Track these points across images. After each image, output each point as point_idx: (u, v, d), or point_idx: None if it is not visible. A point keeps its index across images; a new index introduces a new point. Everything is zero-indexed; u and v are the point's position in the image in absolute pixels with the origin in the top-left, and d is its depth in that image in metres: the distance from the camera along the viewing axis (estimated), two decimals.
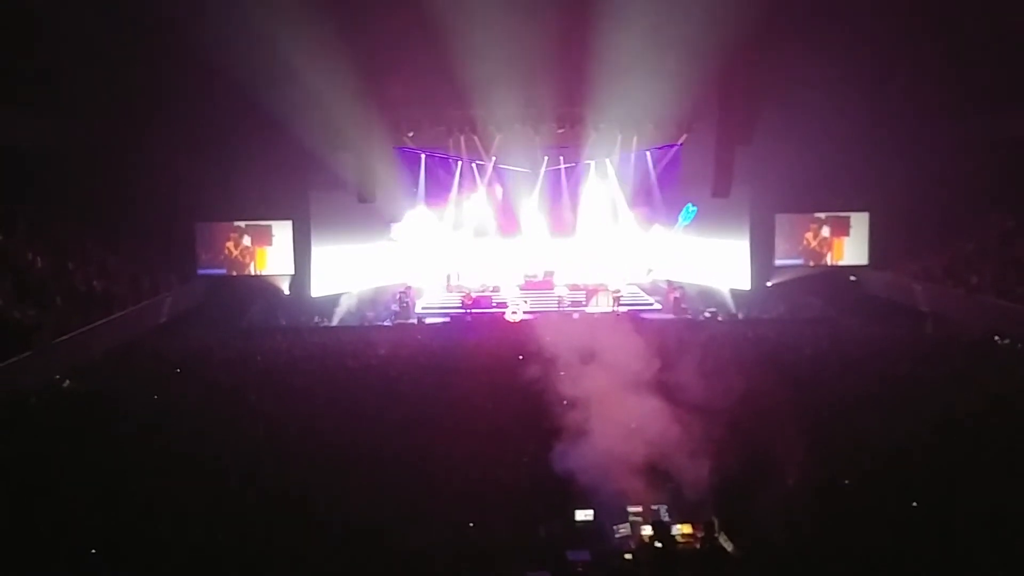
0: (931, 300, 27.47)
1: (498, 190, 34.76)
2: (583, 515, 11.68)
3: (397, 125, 31.58)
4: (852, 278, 32.28)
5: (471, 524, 11.47)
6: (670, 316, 30.33)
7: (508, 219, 34.85)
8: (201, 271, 31.31)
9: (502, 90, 28.38)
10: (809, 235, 32.48)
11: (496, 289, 32.66)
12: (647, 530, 11.30)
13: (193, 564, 10.30)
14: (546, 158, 34.25)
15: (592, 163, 34.34)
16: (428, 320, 30.57)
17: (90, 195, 27.16)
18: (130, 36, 25.13)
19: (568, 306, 31.06)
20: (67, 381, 19.46)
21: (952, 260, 27.83)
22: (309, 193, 31.11)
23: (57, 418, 16.56)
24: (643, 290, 33.87)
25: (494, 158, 33.72)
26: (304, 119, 27.24)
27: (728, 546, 10.89)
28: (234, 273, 31.69)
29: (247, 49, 24.46)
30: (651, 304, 32.23)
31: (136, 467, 13.29)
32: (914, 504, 11.65)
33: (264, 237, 31.67)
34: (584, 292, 31.78)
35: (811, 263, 32.55)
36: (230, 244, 31.52)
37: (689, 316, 30.47)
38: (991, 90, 26.32)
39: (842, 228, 32.35)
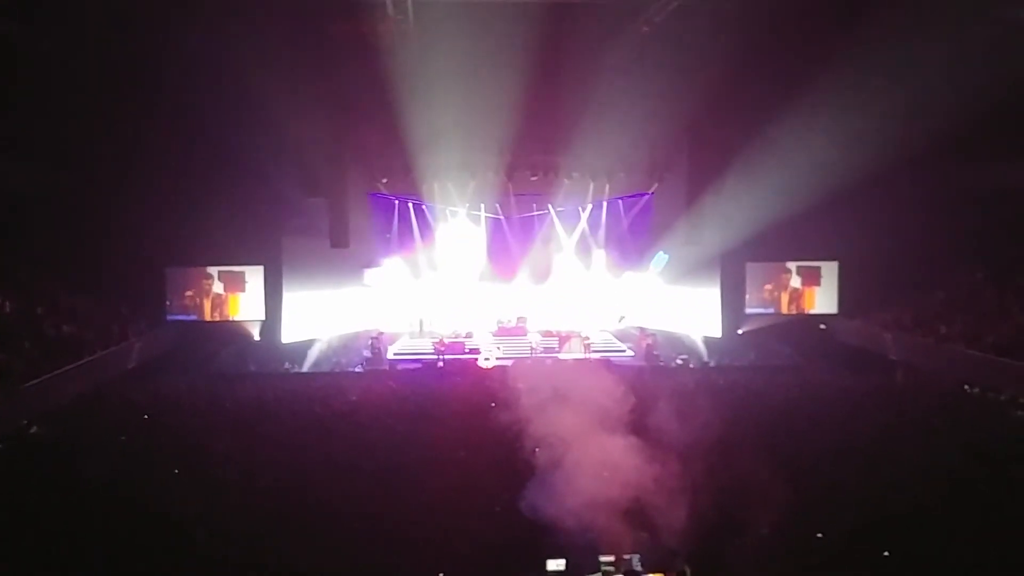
0: (901, 349, 27.69)
1: (472, 236, 34.84)
2: (555, 565, 11.58)
3: (371, 171, 31.71)
4: (822, 326, 32.50)
5: (441, 575, 11.35)
6: (642, 363, 30.36)
7: (482, 266, 34.98)
8: (171, 317, 30.99)
9: (476, 137, 28.64)
10: (779, 284, 32.66)
11: (469, 335, 32.62)
12: None
13: None
14: (519, 205, 34.43)
15: (565, 211, 34.57)
16: (400, 366, 30.40)
17: (60, 239, 26.97)
18: (101, 81, 25.13)
19: (541, 352, 31.03)
20: (35, 427, 19.17)
21: (922, 310, 28.12)
22: (281, 238, 30.97)
23: (24, 464, 16.28)
24: (615, 337, 33.93)
25: (467, 204, 33.84)
26: (277, 164, 27.28)
27: None
28: (206, 319, 31.34)
29: (220, 95, 24.58)
30: (623, 351, 32.26)
31: (104, 514, 13.09)
32: (886, 554, 11.66)
33: (237, 283, 31.40)
34: (557, 338, 31.81)
35: (782, 311, 32.76)
36: (190, 293, 31.19)
37: (661, 363, 30.55)
38: (961, 143, 26.79)
39: (813, 278, 32.61)
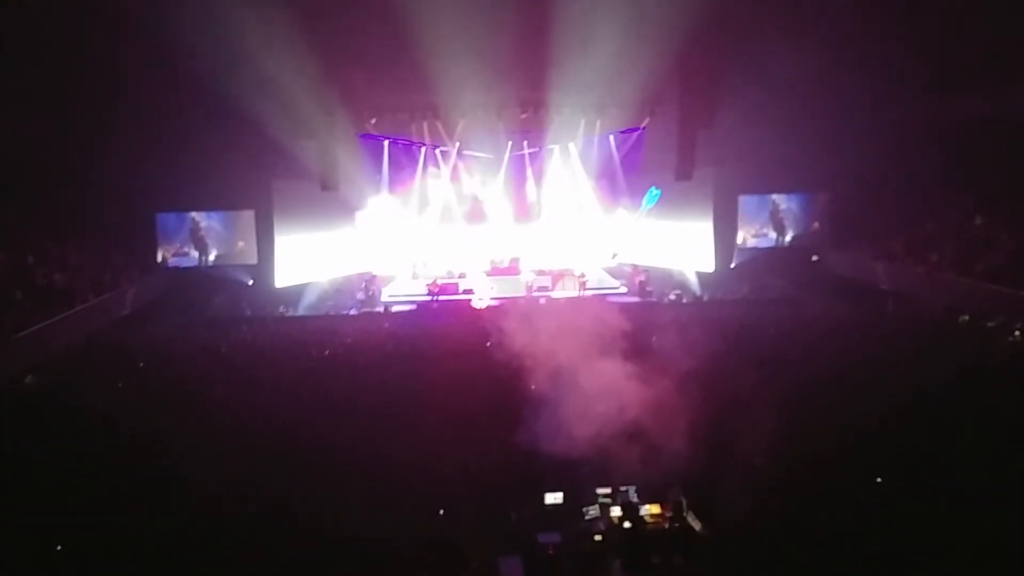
0: (892, 278, 27.81)
1: (463, 176, 34.68)
2: (553, 498, 11.74)
3: (359, 112, 31.41)
4: (814, 258, 32.58)
5: (441, 511, 11.47)
6: (635, 299, 30.44)
7: (474, 206, 34.86)
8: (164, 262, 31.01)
9: (465, 75, 28.28)
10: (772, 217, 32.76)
11: (462, 276, 32.63)
12: (616, 511, 11.37)
13: (158, 559, 10.22)
14: (510, 143, 34.19)
15: (556, 147, 34.36)
16: (394, 308, 30.45)
17: (48, 188, 26.74)
18: (85, 27, 24.70)
19: (535, 291, 31.07)
20: (29, 376, 19.19)
21: (912, 239, 28.20)
22: (271, 182, 30.77)
23: (19, 414, 16.33)
24: (608, 274, 33.97)
25: (458, 144, 33.61)
26: (265, 107, 26.98)
27: (696, 525, 11.00)
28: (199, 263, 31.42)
29: (207, 37, 24.18)
30: (616, 288, 32.33)
31: (100, 462, 13.16)
32: (878, 480, 11.81)
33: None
34: (550, 277, 31.83)
35: (774, 244, 32.86)
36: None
37: (654, 299, 30.62)
38: (949, 73, 26.63)
39: (804, 209, 32.69)
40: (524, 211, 35.18)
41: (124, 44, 25.19)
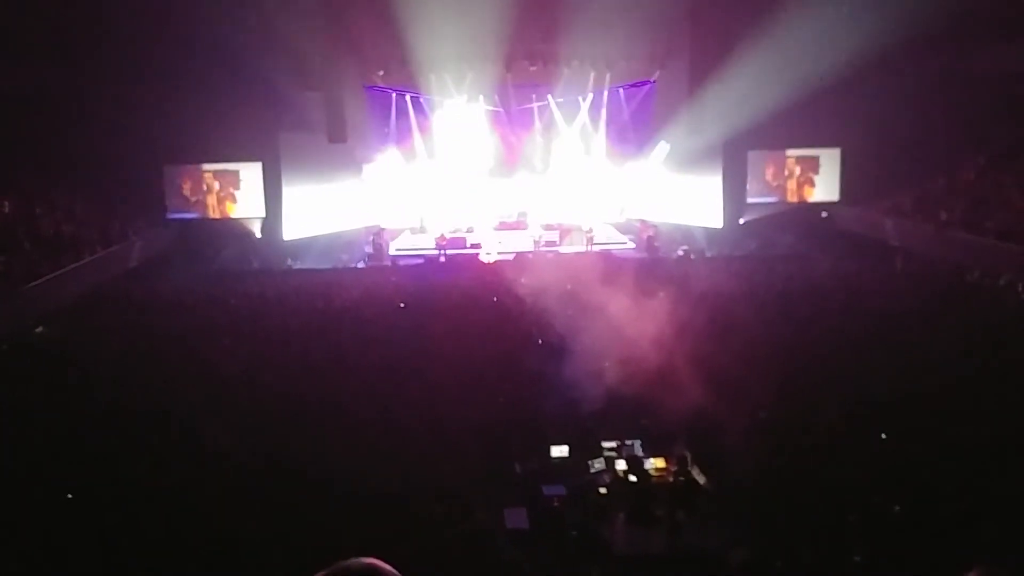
0: (901, 235, 27.67)
1: (471, 128, 34.40)
2: (558, 451, 11.81)
3: (367, 64, 31.16)
4: (824, 214, 32.40)
5: (447, 463, 11.53)
6: (643, 255, 30.36)
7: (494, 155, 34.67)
8: (171, 215, 30.94)
9: (474, 27, 28.02)
10: (779, 171, 32.52)
11: (470, 230, 32.53)
12: (621, 465, 11.45)
13: (166, 507, 10.32)
14: (518, 96, 33.90)
15: (565, 101, 34.06)
16: (402, 262, 30.43)
17: (56, 139, 26.66)
18: None
19: (542, 246, 30.98)
20: (39, 327, 19.29)
21: (922, 196, 28.00)
22: (279, 134, 30.58)
23: (29, 364, 16.44)
24: (616, 229, 33.85)
25: (465, 96, 33.32)
26: (273, 58, 26.78)
27: (701, 479, 11.07)
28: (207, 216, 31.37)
29: None
30: (624, 243, 32.23)
31: (110, 412, 13.26)
32: (883, 436, 11.85)
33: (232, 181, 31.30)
34: (558, 232, 31.73)
35: (783, 200, 32.65)
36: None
37: (662, 255, 30.50)
38: (961, 28, 26.29)
39: (811, 166, 32.45)
40: (531, 165, 34.91)
41: None
